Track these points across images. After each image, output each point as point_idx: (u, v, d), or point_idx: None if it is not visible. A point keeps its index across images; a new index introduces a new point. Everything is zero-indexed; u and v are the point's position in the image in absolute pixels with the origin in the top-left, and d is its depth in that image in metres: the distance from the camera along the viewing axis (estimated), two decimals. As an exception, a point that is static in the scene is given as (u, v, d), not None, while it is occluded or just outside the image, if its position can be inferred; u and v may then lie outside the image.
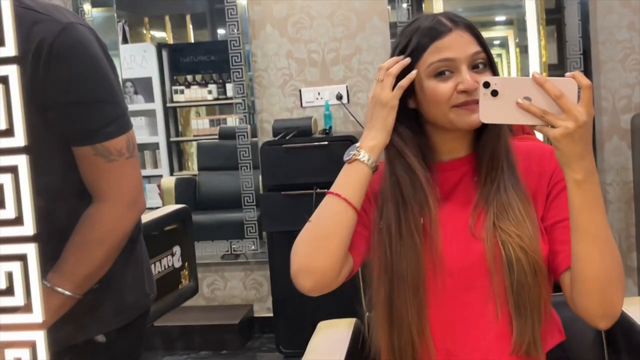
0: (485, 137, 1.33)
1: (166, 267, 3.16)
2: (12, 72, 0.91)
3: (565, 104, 1.11)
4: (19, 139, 0.95)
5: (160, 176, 4.73)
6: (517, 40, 4.99)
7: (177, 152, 4.94)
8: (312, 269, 1.30)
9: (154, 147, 4.83)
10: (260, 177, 3.77)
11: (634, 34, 3.57)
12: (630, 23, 3.57)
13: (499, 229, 1.27)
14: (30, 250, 0.99)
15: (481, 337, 1.31)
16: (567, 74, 1.13)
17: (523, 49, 5.07)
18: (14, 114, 0.94)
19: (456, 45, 1.28)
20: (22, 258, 0.99)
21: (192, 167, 4.92)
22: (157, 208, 3.46)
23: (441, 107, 1.29)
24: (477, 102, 1.23)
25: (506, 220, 1.28)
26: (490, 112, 1.17)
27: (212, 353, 3.80)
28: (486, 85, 1.16)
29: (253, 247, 4.07)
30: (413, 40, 1.31)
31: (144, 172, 4.70)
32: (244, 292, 4.09)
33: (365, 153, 1.29)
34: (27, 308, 0.96)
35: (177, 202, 4.34)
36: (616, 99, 3.61)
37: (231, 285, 4.10)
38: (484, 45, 1.31)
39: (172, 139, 4.88)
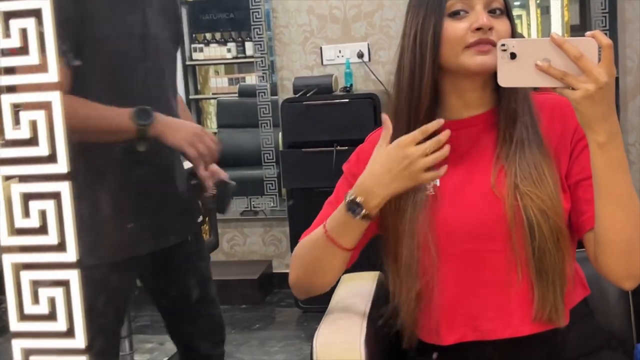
0: (505, 91, 1.28)
1: (187, 222, 3.16)
2: (55, 97, 0.90)
3: (585, 65, 1.07)
4: (62, 165, 0.94)
5: (180, 134, 4.71)
6: (538, 1, 4.91)
7: (196, 110, 4.93)
8: (308, 290, 1.38)
9: (174, 105, 4.82)
10: (280, 134, 3.75)
11: (661, -9, 3.50)
12: (658, -21, 3.49)
13: (520, 189, 1.23)
14: (73, 276, 0.98)
15: (504, 302, 1.28)
16: (587, 33, 1.08)
17: (544, 10, 4.99)
18: (57, 140, 0.93)
19: None
20: (65, 284, 0.99)
21: (211, 125, 4.92)
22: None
23: (454, 47, 1.25)
24: (490, 42, 1.22)
25: (528, 180, 1.24)
26: (509, 75, 1.14)
27: (232, 307, 3.83)
28: (504, 48, 1.13)
29: (272, 204, 4.07)
30: None
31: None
32: (263, 247, 4.10)
33: (371, 212, 1.25)
34: (70, 333, 0.97)
35: (197, 159, 4.32)
36: (641, 58, 3.55)
37: (250, 241, 4.12)
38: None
39: (192, 96, 4.87)
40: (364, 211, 1.24)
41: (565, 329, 1.31)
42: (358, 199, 1.24)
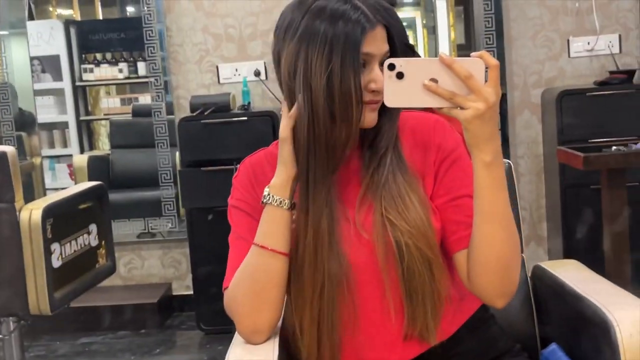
0: (378, 126, 1.26)
1: (82, 245, 3.04)
2: None
3: (474, 85, 1.07)
4: None
5: (70, 156, 4.59)
6: (424, 22, 5.03)
7: (87, 131, 4.81)
8: (260, 328, 1.27)
9: (63, 126, 4.70)
10: (178, 153, 3.68)
11: (544, 10, 3.64)
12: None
13: (388, 221, 1.22)
14: None
15: (384, 330, 1.28)
16: (474, 53, 1.09)
17: (431, 30, 5.11)
18: None
19: (376, 42, 1.20)
20: None
21: (103, 146, 4.81)
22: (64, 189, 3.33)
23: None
24: (379, 102, 1.19)
25: (395, 211, 1.22)
26: (395, 96, 1.11)
27: (131, 333, 3.70)
28: (391, 67, 1.10)
29: (171, 225, 3.97)
30: (340, 26, 1.17)
31: (53, 152, 4.60)
32: (162, 270, 3.99)
33: (274, 195, 1.23)
34: None
35: (90, 180, 4.19)
36: (527, 75, 3.68)
37: (149, 264, 4.00)
38: (393, 43, 1.24)
39: (82, 117, 4.75)
40: (271, 196, 1.24)
41: (461, 339, 1.32)
42: (270, 192, 1.24)
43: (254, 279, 1.25)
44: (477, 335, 1.35)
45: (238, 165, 1.41)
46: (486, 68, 1.08)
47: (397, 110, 1.27)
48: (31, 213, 2.75)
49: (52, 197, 2.97)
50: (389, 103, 1.12)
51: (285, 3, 1.26)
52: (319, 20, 1.19)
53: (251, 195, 1.32)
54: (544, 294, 1.59)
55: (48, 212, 2.78)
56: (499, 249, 1.17)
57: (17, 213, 2.75)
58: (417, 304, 1.24)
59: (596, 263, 2.92)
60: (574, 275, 1.50)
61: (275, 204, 1.23)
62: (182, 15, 3.80)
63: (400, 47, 1.27)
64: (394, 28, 1.26)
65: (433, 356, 1.30)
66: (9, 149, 2.80)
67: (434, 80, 1.09)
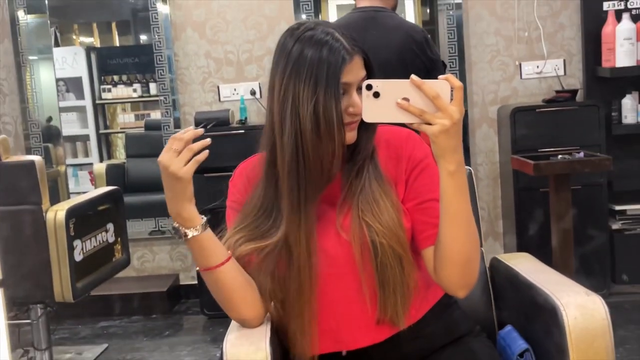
0: (359, 145, 1.27)
1: (101, 242, 3.02)
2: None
3: (440, 104, 1.07)
4: None
5: (91, 164, 4.61)
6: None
7: (105, 143, 4.82)
8: (244, 318, 1.28)
9: (85, 138, 4.72)
10: (184, 162, 3.65)
11: (499, 38, 3.64)
12: (496, 29, 3.63)
13: (364, 223, 1.22)
14: None
15: (360, 315, 1.27)
16: (441, 76, 1.09)
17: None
18: None
19: (354, 72, 1.20)
20: None
21: (119, 156, 4.82)
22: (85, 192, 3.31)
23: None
24: (357, 122, 1.21)
25: (370, 214, 1.22)
26: (372, 112, 1.11)
27: (143, 317, 3.67)
28: (369, 87, 1.10)
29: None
30: (324, 56, 1.17)
31: (76, 161, 4.61)
32: (171, 263, 3.95)
33: (187, 229, 1.20)
34: None
35: (108, 185, 4.17)
36: (485, 94, 3.68)
37: (159, 257, 3.96)
38: (370, 67, 1.23)
39: (101, 131, 4.76)
40: (184, 230, 1.20)
41: (428, 323, 1.32)
42: (175, 225, 1.22)
43: (217, 291, 1.26)
44: (441, 319, 1.35)
45: (234, 170, 1.40)
46: (452, 89, 1.08)
47: (374, 126, 1.27)
48: (56, 214, 2.73)
49: (74, 200, 2.95)
50: (367, 118, 1.12)
51: (278, 33, 1.24)
52: (307, 47, 1.18)
53: (243, 196, 1.32)
54: (501, 282, 1.58)
55: (71, 213, 2.76)
56: (461, 246, 1.17)
57: (44, 214, 2.73)
58: (388, 294, 1.24)
59: (545, 256, 2.92)
60: (527, 267, 1.49)
61: (192, 235, 1.20)
62: (188, 43, 3.77)
63: (380, 72, 1.24)
64: (371, 54, 1.25)
65: (403, 338, 1.29)
66: (37, 159, 2.78)
67: (406, 99, 1.09)
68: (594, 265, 3.36)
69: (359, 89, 1.18)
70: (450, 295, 1.35)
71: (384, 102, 1.09)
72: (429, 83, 1.08)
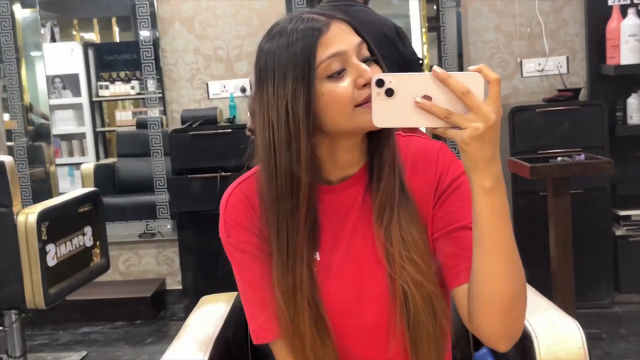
0: (378, 150, 1.05)
1: (77, 246, 2.92)
2: None
3: (472, 102, 0.84)
4: None
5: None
6: (405, 46, 4.88)
7: (103, 141, 4.73)
8: None
9: (81, 136, 4.62)
10: (170, 161, 3.56)
11: (499, 35, 3.51)
12: (496, 25, 3.50)
13: (396, 260, 1.01)
14: None
15: None
16: (471, 67, 0.86)
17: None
18: None
19: (340, 38, 0.97)
20: None
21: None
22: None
23: (344, 109, 0.97)
24: None
25: (403, 249, 1.01)
26: (384, 115, 0.87)
27: (127, 323, 3.57)
28: (380, 83, 0.87)
29: (168, 227, 3.84)
30: (290, 44, 0.97)
31: (72, 160, 4.51)
32: (157, 267, 3.85)
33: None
34: None
35: (96, 187, 4.08)
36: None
37: (145, 261, 3.86)
38: (362, 34, 1.01)
39: (99, 129, 4.68)
40: None
41: None
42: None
43: None
44: None
45: (225, 197, 1.10)
46: (486, 83, 0.86)
47: (389, 134, 1.04)
48: (27, 217, 2.64)
49: (49, 202, 2.85)
50: (378, 123, 0.89)
51: (267, 28, 1.04)
52: (275, 45, 0.99)
53: (252, 232, 1.06)
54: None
55: (43, 215, 2.67)
56: (501, 283, 0.92)
57: (15, 217, 2.64)
58: (422, 353, 1.03)
59: (545, 264, 2.81)
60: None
61: None
62: (175, 38, 3.67)
63: (372, 37, 1.03)
64: (357, 20, 1.03)
65: None
66: (7, 159, 2.69)
67: (427, 97, 0.86)
68: (596, 274, 3.22)
69: (363, 61, 0.99)
70: (489, 347, 1.14)
71: (400, 101, 0.87)
72: (456, 76, 0.85)
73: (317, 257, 1.04)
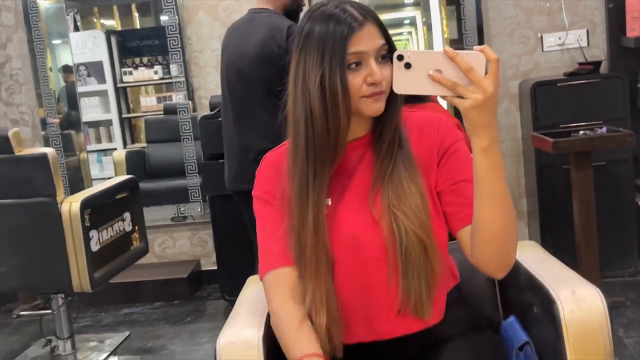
0: (382, 119, 1.26)
1: (118, 231, 3.08)
2: None
3: (474, 77, 1.04)
4: None
5: (115, 149, 4.62)
6: (424, 19, 4.96)
7: (129, 127, 4.84)
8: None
9: (108, 123, 4.72)
10: (201, 147, 3.69)
11: (519, 10, 3.57)
12: (515, 1, 3.56)
13: (393, 207, 1.22)
14: None
15: (392, 303, 1.26)
16: (476, 47, 1.05)
17: (429, 27, 5.04)
18: None
19: (367, 40, 1.18)
20: None
21: (144, 140, 4.83)
22: (110, 178, 3.36)
23: (353, 96, 1.19)
24: (382, 92, 1.19)
25: (399, 198, 1.22)
26: (403, 83, 1.08)
27: (165, 304, 3.74)
28: (400, 58, 1.07)
29: (198, 210, 3.99)
30: (330, 29, 1.18)
31: (100, 147, 4.62)
32: (191, 249, 4.01)
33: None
34: None
35: (128, 173, 4.23)
36: (506, 68, 3.62)
37: (180, 243, 4.02)
38: (387, 37, 1.22)
39: (124, 115, 4.77)
40: None
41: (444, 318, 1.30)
42: None
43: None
44: (449, 312, 1.33)
45: (261, 161, 1.36)
46: (487, 61, 1.04)
47: (398, 100, 1.25)
48: (71, 205, 2.79)
49: (90, 191, 3.00)
50: (398, 90, 1.10)
51: None
52: (317, 23, 1.20)
53: (274, 186, 1.29)
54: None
55: (85, 204, 2.82)
56: (498, 226, 1.14)
57: (59, 206, 2.79)
58: (412, 281, 1.22)
59: (569, 236, 2.91)
60: (530, 257, 1.48)
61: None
62: (200, 26, 3.79)
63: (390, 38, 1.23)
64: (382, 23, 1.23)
65: (422, 335, 1.29)
66: (50, 151, 2.83)
67: (438, 70, 1.05)
68: (620, 243, 3.31)
69: (383, 57, 1.19)
70: (460, 287, 1.36)
71: (416, 73, 1.07)
72: (462, 54, 1.04)
73: (329, 202, 1.26)
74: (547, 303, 1.25)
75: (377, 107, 1.21)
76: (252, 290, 1.53)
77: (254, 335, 1.24)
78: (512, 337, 1.39)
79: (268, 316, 1.33)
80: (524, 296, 1.42)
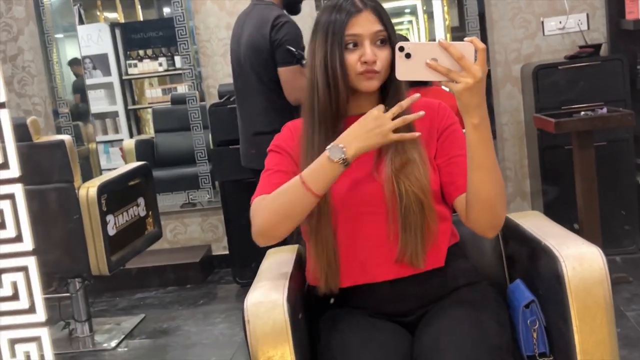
0: (388, 96, 1.43)
1: (133, 216, 3.17)
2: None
3: (465, 64, 1.21)
4: (14, 170, 0.96)
5: (122, 140, 4.72)
6: (424, 8, 5.02)
7: (134, 119, 4.93)
8: (271, 236, 1.40)
9: (114, 115, 4.81)
10: (210, 135, 3.77)
11: (520, -5, 3.66)
12: (516, -14, 3.65)
13: (395, 170, 1.39)
14: (31, 262, 1.01)
15: (386, 252, 1.43)
16: (466, 38, 1.22)
17: (430, 15, 5.11)
18: (7, 149, 0.95)
19: (363, 24, 1.39)
20: (24, 269, 1.01)
21: (149, 131, 4.92)
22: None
23: (349, 72, 1.40)
24: (374, 71, 1.38)
25: (402, 162, 1.40)
26: (404, 71, 1.25)
27: (178, 288, 3.84)
28: (401, 49, 1.24)
29: (208, 196, 4.09)
30: (333, 16, 1.40)
31: (106, 138, 4.71)
32: (202, 234, 4.11)
33: (344, 153, 1.32)
34: (31, 309, 0.97)
35: (137, 161, 4.31)
36: (508, 52, 3.71)
37: (191, 229, 4.12)
38: (385, 24, 1.41)
39: (130, 107, 4.86)
40: (343, 155, 1.31)
41: (441, 269, 1.45)
42: (340, 145, 1.32)
43: (287, 205, 1.36)
44: (450, 266, 1.47)
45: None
46: (475, 50, 1.21)
47: (399, 83, 1.41)
48: (88, 190, 2.88)
49: (105, 177, 3.10)
50: (400, 77, 1.26)
51: None
52: (325, 13, 1.43)
53: (288, 143, 1.49)
54: (510, 239, 1.67)
55: (102, 189, 2.91)
56: (488, 190, 1.32)
57: (77, 191, 2.88)
58: (409, 236, 1.39)
59: (573, 214, 3.01)
60: (534, 223, 1.57)
61: (338, 161, 1.31)
62: (207, 16, 3.87)
63: (390, 27, 1.42)
64: (384, 13, 1.43)
65: (407, 282, 1.44)
66: (67, 138, 2.92)
67: (434, 59, 1.22)
68: (622, 222, 3.41)
69: (382, 42, 1.39)
70: (460, 245, 1.52)
71: (415, 62, 1.24)
72: (455, 45, 1.21)
73: None
74: (552, 262, 1.35)
75: (369, 84, 1.41)
76: (271, 260, 1.62)
77: (279, 296, 1.34)
78: (518, 297, 1.49)
79: (290, 280, 1.43)
80: (529, 258, 1.52)
